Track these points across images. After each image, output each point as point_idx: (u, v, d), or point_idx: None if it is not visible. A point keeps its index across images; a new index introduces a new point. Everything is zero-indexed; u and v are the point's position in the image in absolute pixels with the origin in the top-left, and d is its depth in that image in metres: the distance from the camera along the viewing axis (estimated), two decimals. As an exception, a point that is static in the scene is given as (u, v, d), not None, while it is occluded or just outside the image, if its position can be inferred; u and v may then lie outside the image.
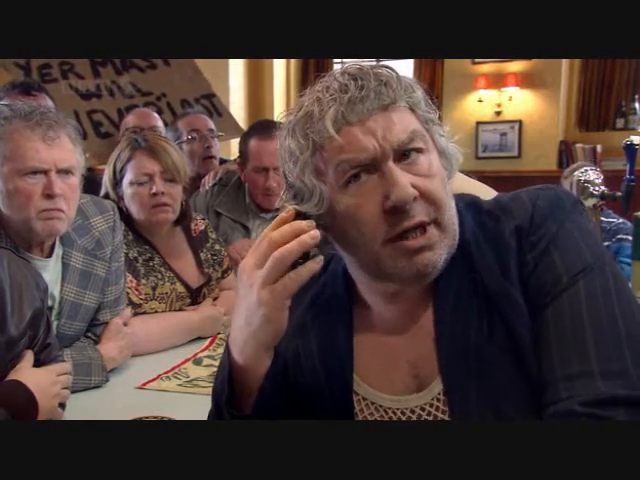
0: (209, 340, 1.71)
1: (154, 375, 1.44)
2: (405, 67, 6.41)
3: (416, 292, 0.76)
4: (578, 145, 5.83)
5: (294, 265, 0.70)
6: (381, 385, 0.79)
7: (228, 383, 0.76)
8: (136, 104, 2.97)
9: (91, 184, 1.68)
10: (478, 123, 6.00)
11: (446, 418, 0.74)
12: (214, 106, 3.11)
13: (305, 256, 0.70)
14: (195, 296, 1.79)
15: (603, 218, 2.26)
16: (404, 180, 0.70)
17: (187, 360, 1.55)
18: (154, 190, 1.65)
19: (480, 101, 6.05)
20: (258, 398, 0.76)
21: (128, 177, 1.68)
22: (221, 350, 1.63)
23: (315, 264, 0.70)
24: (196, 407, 1.25)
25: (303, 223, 0.71)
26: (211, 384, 1.35)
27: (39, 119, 1.25)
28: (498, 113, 6.07)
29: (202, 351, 1.63)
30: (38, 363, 1.12)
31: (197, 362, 1.54)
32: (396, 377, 0.78)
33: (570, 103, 6.06)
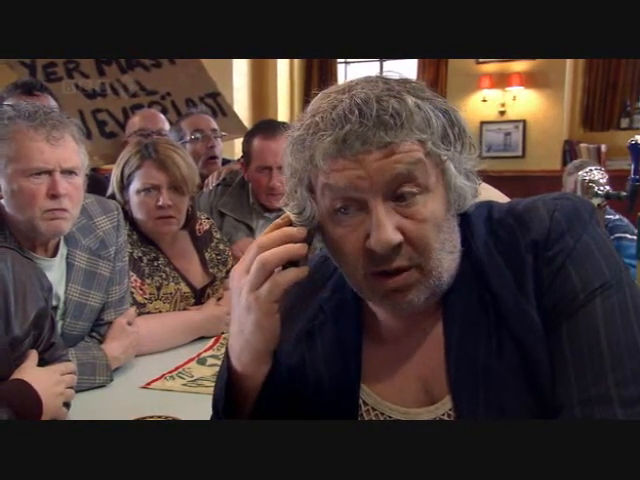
0: (213, 340, 1.71)
1: (158, 375, 1.44)
2: (409, 67, 6.40)
3: (423, 308, 0.73)
4: (582, 145, 5.82)
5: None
6: (391, 396, 0.77)
7: (226, 391, 0.75)
8: (141, 103, 2.96)
9: (95, 184, 1.68)
10: (482, 123, 6.00)
11: None
12: (219, 105, 3.10)
13: (294, 264, 0.70)
14: (199, 296, 1.80)
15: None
16: (388, 224, 0.66)
17: (191, 360, 1.55)
18: (160, 202, 1.65)
19: (484, 101, 6.04)
20: (255, 406, 0.75)
21: (135, 185, 1.68)
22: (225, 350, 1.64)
23: (301, 272, 0.70)
24: (200, 407, 1.25)
25: (294, 230, 0.70)
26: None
27: (43, 119, 1.25)
28: (502, 113, 6.06)
29: (206, 351, 1.63)
30: (42, 362, 1.13)
31: (201, 362, 1.55)
32: (406, 390, 0.76)
33: (574, 103, 6.05)
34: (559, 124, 5.93)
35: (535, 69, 5.82)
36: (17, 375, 1.07)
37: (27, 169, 1.25)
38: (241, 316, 0.71)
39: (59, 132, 1.26)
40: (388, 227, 0.66)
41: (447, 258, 0.70)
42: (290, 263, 0.70)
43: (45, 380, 1.08)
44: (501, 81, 5.98)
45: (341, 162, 0.67)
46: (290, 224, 0.72)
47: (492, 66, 5.96)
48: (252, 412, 0.75)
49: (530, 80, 5.88)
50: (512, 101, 6.01)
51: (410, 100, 0.68)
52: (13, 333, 1.06)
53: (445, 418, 0.73)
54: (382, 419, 0.77)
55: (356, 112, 0.66)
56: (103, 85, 2.96)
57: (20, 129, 1.25)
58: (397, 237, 0.67)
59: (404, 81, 0.71)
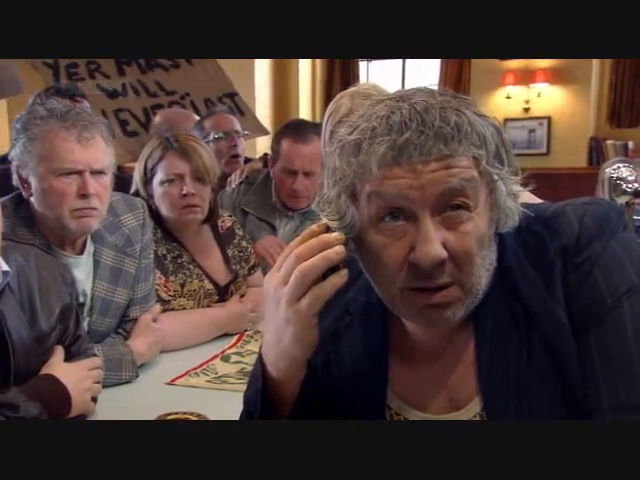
0: (236, 337, 1.72)
1: (183, 371, 1.45)
2: (431, 63, 6.36)
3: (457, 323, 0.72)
4: (609, 141, 5.72)
5: (320, 280, 0.68)
6: (415, 402, 0.77)
7: (262, 395, 0.75)
8: (161, 103, 3.00)
9: (120, 182, 1.70)
10: (506, 120, 5.93)
11: None
12: (237, 105, 3.13)
13: (333, 269, 0.68)
14: (223, 293, 1.81)
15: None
16: (435, 239, 0.65)
17: (215, 357, 1.56)
18: (184, 191, 1.67)
19: (508, 97, 5.97)
20: (293, 411, 0.75)
21: (159, 176, 1.70)
22: (249, 347, 1.65)
23: (339, 278, 0.68)
24: (225, 404, 1.26)
25: (332, 236, 0.68)
26: (240, 381, 1.39)
27: (74, 120, 1.27)
28: (526, 109, 5.99)
29: (230, 348, 1.64)
30: (69, 356, 1.15)
31: (225, 359, 1.56)
32: (430, 396, 0.76)
33: (601, 99, 5.95)
34: (585, 121, 5.84)
35: (561, 65, 5.74)
36: (46, 370, 1.09)
37: (58, 169, 1.27)
38: (279, 327, 0.70)
39: (90, 132, 1.29)
40: (435, 242, 0.65)
41: (485, 275, 0.69)
42: (328, 269, 0.68)
43: (73, 375, 1.10)
44: (525, 77, 5.91)
45: (395, 170, 0.66)
46: (326, 231, 0.70)
47: (516, 62, 5.89)
48: (289, 416, 0.75)
49: (555, 76, 5.80)
50: (537, 98, 5.93)
51: (469, 115, 0.67)
52: (39, 327, 1.09)
53: None
54: None
55: (417, 120, 0.65)
56: (124, 85, 3.00)
57: (52, 129, 1.27)
58: (443, 253, 0.65)
59: (456, 96, 0.70)
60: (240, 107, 3.12)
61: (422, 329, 0.75)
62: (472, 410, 0.73)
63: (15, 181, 1.33)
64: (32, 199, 1.32)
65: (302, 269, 0.67)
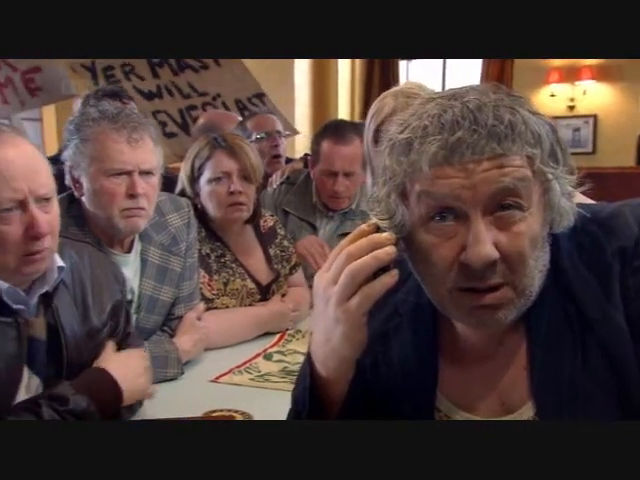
0: (278, 336, 1.73)
1: (226, 369, 1.47)
2: (473, 62, 6.27)
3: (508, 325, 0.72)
4: (659, 140, 5.52)
5: (370, 279, 0.67)
6: (465, 405, 0.76)
7: (310, 394, 0.75)
8: (195, 104, 3.05)
9: (164, 182, 1.73)
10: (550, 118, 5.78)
11: None
12: (265, 105, 3.15)
13: (383, 269, 0.67)
14: (264, 292, 1.82)
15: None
16: (487, 239, 0.64)
17: (258, 355, 1.58)
18: (232, 189, 1.69)
19: (552, 95, 5.84)
20: (341, 411, 0.75)
21: (206, 175, 1.72)
22: (290, 346, 1.66)
23: (390, 278, 0.67)
24: (268, 402, 1.28)
25: (382, 236, 0.68)
26: (282, 380, 1.39)
27: (124, 121, 1.31)
28: (571, 108, 5.84)
29: (272, 347, 1.65)
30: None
31: (268, 357, 1.57)
32: (481, 399, 0.75)
33: (651, 96, 5.75)
34: (633, 119, 5.65)
35: (608, 62, 5.58)
36: (96, 364, 1.12)
37: (108, 169, 1.31)
38: (328, 327, 0.70)
39: (139, 134, 1.32)
40: (487, 242, 0.64)
41: (538, 276, 0.68)
42: (379, 269, 0.68)
43: (122, 365, 1.13)
44: (570, 75, 5.76)
45: (447, 170, 0.65)
46: (376, 230, 0.69)
47: (561, 60, 5.75)
48: (338, 415, 0.75)
49: (603, 73, 5.64)
50: (582, 95, 5.78)
51: (523, 113, 0.66)
52: (91, 323, 1.12)
53: None
54: None
55: (469, 118, 0.64)
56: (158, 87, 3.07)
57: (103, 130, 1.31)
58: (495, 254, 0.65)
59: (511, 94, 0.68)
60: (269, 107, 3.15)
61: (472, 330, 0.75)
62: (525, 414, 0.72)
63: (67, 181, 1.37)
64: (83, 199, 1.36)
65: (352, 268, 0.67)
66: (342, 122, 2.39)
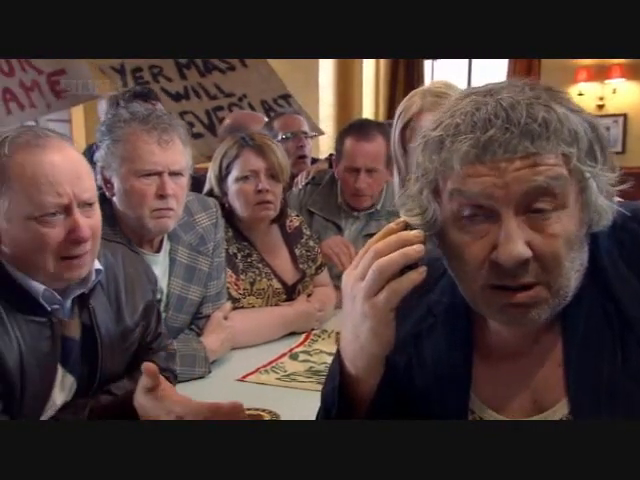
0: (304, 336, 1.74)
1: (253, 368, 1.48)
2: (499, 62, 6.20)
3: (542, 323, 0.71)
4: (691, 139, 5.39)
5: (397, 276, 0.67)
6: (497, 405, 0.75)
7: (339, 392, 0.75)
8: (221, 105, 3.07)
9: (192, 182, 1.75)
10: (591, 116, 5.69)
11: None
12: (291, 106, 3.16)
13: (411, 267, 0.67)
14: (290, 292, 1.83)
15: None
16: (519, 238, 0.64)
17: (284, 355, 1.58)
18: (259, 187, 1.70)
19: (580, 94, 5.73)
20: (371, 408, 0.75)
21: (234, 174, 1.74)
22: (316, 346, 1.66)
23: (417, 274, 0.67)
24: (295, 401, 1.29)
25: (411, 234, 0.68)
26: (308, 379, 1.40)
27: (155, 123, 1.32)
28: (600, 107, 5.73)
29: (298, 346, 1.66)
30: (151, 352, 1.19)
31: (293, 357, 1.57)
32: (513, 398, 0.74)
33: (683, 94, 5.62)
34: (665, 118, 5.53)
35: (639, 60, 5.46)
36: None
37: (139, 170, 1.33)
38: (356, 323, 0.70)
39: (169, 135, 1.33)
40: (518, 241, 0.64)
41: (574, 276, 0.67)
42: (406, 267, 0.68)
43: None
44: (600, 73, 5.66)
45: (479, 168, 0.64)
46: (405, 228, 0.69)
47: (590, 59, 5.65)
48: (367, 414, 0.75)
49: (633, 71, 5.53)
50: (612, 94, 5.67)
51: (560, 110, 0.64)
52: (124, 323, 1.13)
53: None
54: None
55: (502, 116, 0.63)
56: (186, 88, 3.09)
57: (134, 131, 1.33)
58: (527, 253, 0.64)
59: (550, 89, 0.67)
60: (294, 108, 3.16)
61: (506, 328, 0.74)
62: (558, 412, 0.71)
63: (99, 181, 1.39)
64: (114, 199, 1.38)
65: (379, 264, 0.67)
66: (366, 121, 2.39)
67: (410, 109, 1.45)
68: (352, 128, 2.12)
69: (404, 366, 0.79)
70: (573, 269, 0.67)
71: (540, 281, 0.66)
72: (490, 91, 0.67)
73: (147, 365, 0.97)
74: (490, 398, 0.76)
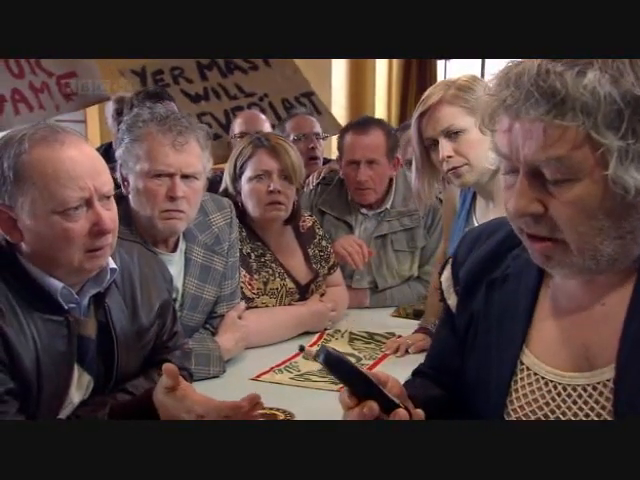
0: (317, 335, 1.74)
1: (267, 368, 1.49)
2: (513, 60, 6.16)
3: (615, 280, 0.73)
4: None
5: None
6: (547, 357, 0.78)
7: None
8: (240, 105, 3.07)
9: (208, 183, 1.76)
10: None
11: (608, 406, 0.71)
12: (313, 104, 3.15)
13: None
14: (303, 292, 1.84)
15: None
16: (524, 195, 0.69)
17: (297, 354, 1.59)
18: (271, 187, 1.71)
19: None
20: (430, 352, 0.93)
21: (247, 173, 1.75)
22: (329, 345, 1.66)
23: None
24: (309, 401, 1.29)
25: None
26: (322, 379, 1.40)
27: (172, 124, 1.33)
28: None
29: (311, 346, 1.66)
30: (167, 350, 1.20)
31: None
32: (566, 352, 0.76)
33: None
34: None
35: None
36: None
37: (151, 170, 1.34)
38: None
39: (184, 138, 1.34)
40: (521, 198, 0.69)
41: (612, 243, 0.69)
42: None
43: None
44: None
45: (507, 122, 0.69)
46: None
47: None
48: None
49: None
50: None
51: (586, 80, 0.64)
52: (140, 322, 1.14)
53: (600, 387, 0.72)
54: (532, 379, 0.78)
55: (513, 81, 0.68)
56: (205, 89, 3.10)
57: (151, 132, 1.34)
58: (528, 209, 0.69)
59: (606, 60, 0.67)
60: (317, 106, 3.15)
61: (579, 287, 0.76)
62: (605, 374, 0.72)
63: (118, 179, 1.40)
64: (130, 197, 1.40)
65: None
66: (366, 117, 2.41)
67: (430, 98, 1.44)
68: (351, 125, 2.17)
69: (468, 319, 0.85)
70: (601, 236, 0.68)
71: (555, 237, 0.69)
72: (545, 60, 0.69)
73: (167, 365, 0.98)
74: (542, 351, 0.78)
